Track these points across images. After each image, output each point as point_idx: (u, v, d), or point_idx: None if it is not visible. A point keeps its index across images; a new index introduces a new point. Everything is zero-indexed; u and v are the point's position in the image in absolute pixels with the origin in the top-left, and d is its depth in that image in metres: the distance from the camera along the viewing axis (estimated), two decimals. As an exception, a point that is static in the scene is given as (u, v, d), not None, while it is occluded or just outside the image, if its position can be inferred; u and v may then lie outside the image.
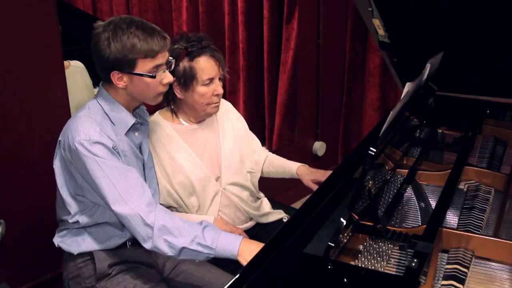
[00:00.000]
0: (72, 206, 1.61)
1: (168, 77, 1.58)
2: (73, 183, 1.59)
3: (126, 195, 1.47)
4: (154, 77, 1.53)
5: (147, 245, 1.47)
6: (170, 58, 1.60)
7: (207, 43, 1.81)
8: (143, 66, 1.52)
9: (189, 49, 1.76)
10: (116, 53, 1.49)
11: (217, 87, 1.81)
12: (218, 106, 1.86)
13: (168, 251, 1.46)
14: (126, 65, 1.50)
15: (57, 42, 2.10)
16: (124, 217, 1.47)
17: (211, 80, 1.79)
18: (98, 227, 1.64)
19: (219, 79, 1.82)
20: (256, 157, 2.06)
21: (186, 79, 1.76)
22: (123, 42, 1.48)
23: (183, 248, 1.45)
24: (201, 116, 1.88)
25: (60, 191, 1.61)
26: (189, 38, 1.79)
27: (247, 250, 1.44)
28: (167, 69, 1.58)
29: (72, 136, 1.49)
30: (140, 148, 1.70)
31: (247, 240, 1.48)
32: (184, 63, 1.76)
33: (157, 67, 1.54)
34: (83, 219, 1.62)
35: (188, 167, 1.83)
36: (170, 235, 1.45)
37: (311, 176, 1.99)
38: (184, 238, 1.45)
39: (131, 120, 1.61)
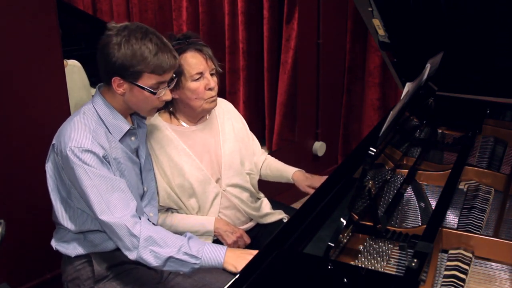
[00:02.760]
0: (60, 212, 1.61)
1: (167, 95, 1.58)
2: (63, 187, 1.59)
3: (111, 205, 1.47)
4: (155, 93, 1.53)
5: (132, 255, 1.47)
6: (173, 75, 1.59)
7: (194, 40, 1.79)
8: (147, 80, 1.51)
9: (175, 47, 1.75)
10: (124, 60, 1.48)
11: (209, 81, 1.78)
12: (215, 101, 1.84)
13: (153, 262, 1.46)
14: (131, 75, 1.50)
15: (57, 42, 2.10)
16: (110, 226, 1.47)
17: (201, 74, 1.77)
18: (93, 231, 1.64)
19: (212, 74, 1.80)
20: (255, 159, 2.06)
21: (175, 77, 1.75)
22: (134, 50, 1.47)
23: (170, 257, 1.45)
24: (199, 113, 1.86)
25: (50, 194, 1.61)
26: (176, 37, 1.78)
27: (233, 257, 1.45)
28: (168, 86, 1.58)
29: (64, 142, 1.49)
30: (137, 152, 1.69)
31: (232, 249, 1.49)
32: None
33: (160, 83, 1.54)
34: (73, 227, 1.61)
35: (187, 169, 1.83)
36: (156, 245, 1.45)
37: (306, 182, 1.97)
38: (170, 248, 1.45)
39: (126, 126, 1.60)
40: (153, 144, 1.82)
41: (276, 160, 2.12)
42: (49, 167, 1.60)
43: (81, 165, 1.47)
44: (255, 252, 1.48)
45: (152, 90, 1.53)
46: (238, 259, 1.44)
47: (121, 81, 1.52)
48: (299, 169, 2.05)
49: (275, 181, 2.11)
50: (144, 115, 1.65)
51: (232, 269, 1.44)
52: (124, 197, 1.50)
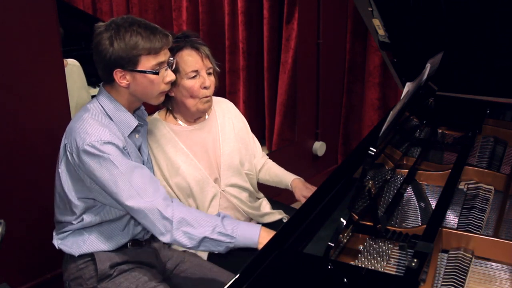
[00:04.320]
0: (79, 207, 1.60)
1: (170, 76, 1.59)
2: (79, 187, 1.58)
3: (142, 190, 1.47)
4: (157, 73, 1.54)
5: (166, 238, 1.47)
6: (171, 58, 1.60)
7: (192, 39, 1.79)
8: (146, 63, 1.52)
9: (172, 45, 1.76)
10: (119, 51, 1.49)
11: (205, 79, 1.78)
12: (209, 101, 1.84)
13: (188, 243, 1.46)
14: (129, 63, 1.51)
15: (57, 42, 2.10)
16: (141, 211, 1.46)
17: (197, 73, 1.77)
18: (99, 227, 1.64)
19: (209, 73, 1.80)
20: (254, 161, 2.05)
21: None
22: (126, 40, 1.48)
23: (204, 238, 1.45)
24: (193, 113, 1.85)
25: (67, 194, 1.59)
26: (175, 36, 1.79)
27: (267, 238, 1.43)
28: (169, 67, 1.58)
29: (81, 139, 1.48)
30: (139, 149, 1.69)
31: (266, 229, 1.50)
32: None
33: (160, 64, 1.54)
34: (87, 218, 1.61)
35: (185, 168, 1.83)
36: (190, 226, 1.46)
37: (305, 192, 1.95)
38: (204, 228, 1.46)
39: (134, 122, 1.61)
40: (151, 142, 1.82)
41: (276, 165, 2.11)
42: (63, 169, 1.58)
43: (104, 156, 1.46)
44: None
45: (154, 71, 1.53)
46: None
47: (123, 72, 1.52)
48: (298, 177, 2.04)
49: (274, 186, 2.10)
50: (154, 103, 1.64)
51: None
52: (153, 180, 1.51)
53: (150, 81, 1.55)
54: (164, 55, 1.55)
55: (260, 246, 1.45)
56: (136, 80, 1.54)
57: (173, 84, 1.76)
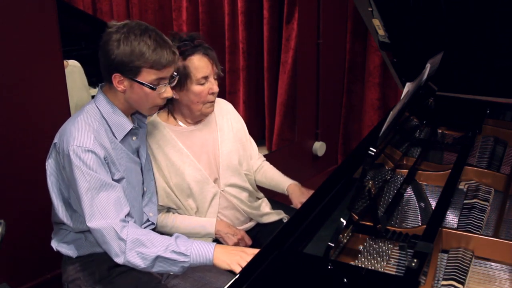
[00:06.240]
0: (60, 209, 1.60)
1: (167, 92, 1.58)
2: (64, 185, 1.58)
3: (103, 210, 1.46)
4: (154, 89, 1.53)
5: (120, 260, 1.46)
6: (175, 73, 1.59)
7: (200, 41, 1.79)
8: (146, 76, 1.51)
9: (182, 48, 1.75)
10: (123, 56, 1.48)
11: (213, 85, 1.79)
12: (213, 106, 1.85)
13: (141, 263, 1.45)
14: (130, 71, 1.50)
15: (57, 42, 2.10)
16: (98, 231, 1.46)
17: (206, 78, 1.77)
18: None
19: (214, 78, 1.81)
20: (251, 162, 2.05)
21: (181, 79, 1.74)
22: (132, 47, 1.47)
23: (158, 257, 1.44)
24: (196, 116, 1.86)
25: (50, 192, 1.60)
26: (182, 38, 1.78)
27: (224, 253, 1.44)
28: (168, 83, 1.57)
29: (67, 141, 1.49)
30: (137, 152, 1.69)
31: (221, 245, 1.49)
32: (178, 63, 1.75)
33: (160, 79, 1.53)
34: (73, 225, 1.61)
35: (185, 169, 1.83)
36: (143, 246, 1.45)
37: (302, 198, 1.94)
38: (157, 248, 1.44)
39: (128, 125, 1.60)
40: (151, 143, 1.82)
41: (273, 168, 2.10)
42: (50, 164, 1.59)
43: (80, 166, 1.46)
44: (246, 248, 1.50)
45: (152, 86, 1.52)
46: (230, 255, 1.43)
47: (121, 78, 1.52)
48: (294, 182, 2.03)
49: (270, 189, 2.10)
50: (145, 114, 1.65)
51: (225, 266, 1.43)
52: (118, 203, 1.49)
53: (146, 93, 1.54)
54: (167, 72, 1.54)
55: (217, 261, 1.44)
56: (132, 89, 1.53)
57: (181, 88, 1.76)
